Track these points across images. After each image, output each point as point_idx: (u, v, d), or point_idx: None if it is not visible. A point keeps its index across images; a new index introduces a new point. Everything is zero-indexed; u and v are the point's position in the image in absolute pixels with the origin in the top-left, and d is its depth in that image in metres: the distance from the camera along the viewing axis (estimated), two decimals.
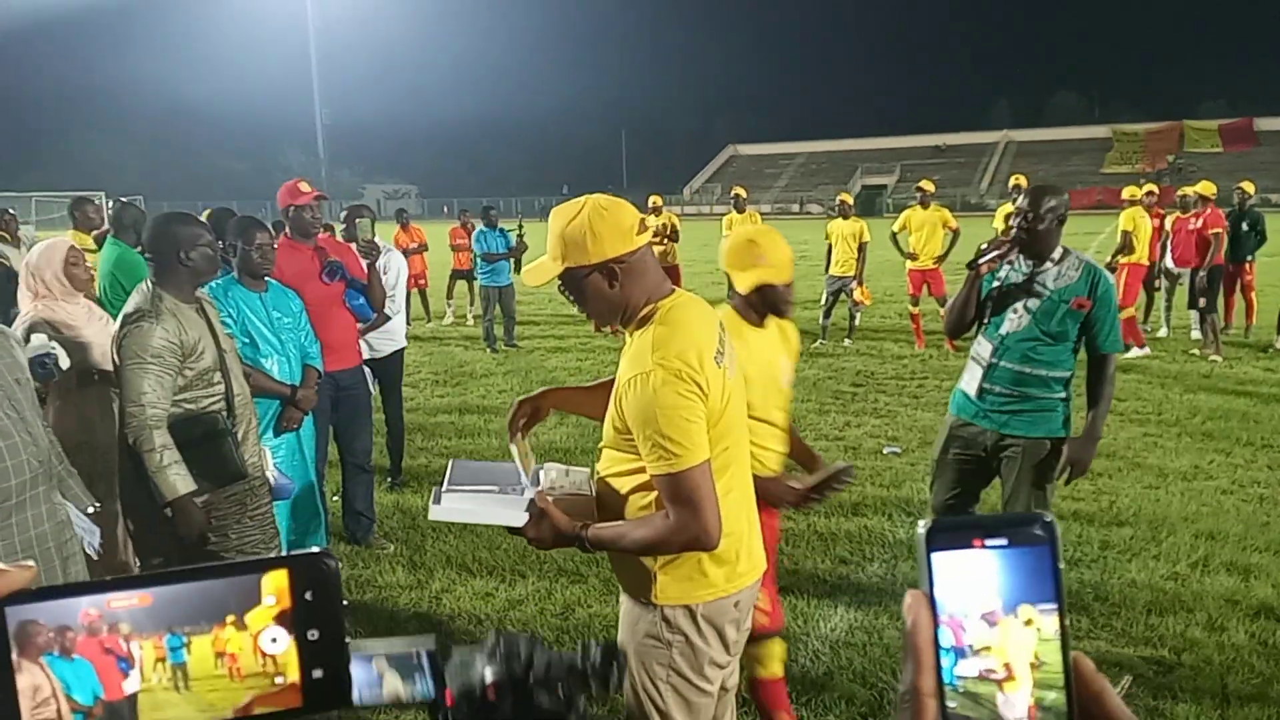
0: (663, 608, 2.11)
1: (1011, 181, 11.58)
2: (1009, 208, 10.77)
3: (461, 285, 13.72)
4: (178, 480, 3.00)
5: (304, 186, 4.70)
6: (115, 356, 3.11)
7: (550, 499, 2.11)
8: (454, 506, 2.16)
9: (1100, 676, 0.57)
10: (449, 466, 2.29)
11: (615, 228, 2.01)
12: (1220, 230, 9.98)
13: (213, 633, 0.51)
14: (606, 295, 2.04)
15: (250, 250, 3.96)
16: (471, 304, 13.67)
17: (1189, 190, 10.30)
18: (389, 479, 6.07)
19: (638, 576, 2.13)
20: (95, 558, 2.97)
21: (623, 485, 2.10)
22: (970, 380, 3.75)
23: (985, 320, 3.72)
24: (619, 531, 2.04)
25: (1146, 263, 10.32)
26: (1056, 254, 3.57)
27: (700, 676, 2.14)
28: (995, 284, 3.69)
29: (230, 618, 0.51)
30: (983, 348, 3.70)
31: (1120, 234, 10.24)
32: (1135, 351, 9.94)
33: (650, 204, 12.33)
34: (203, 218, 4.03)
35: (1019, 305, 3.59)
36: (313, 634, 0.52)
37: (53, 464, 2.76)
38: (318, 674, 0.52)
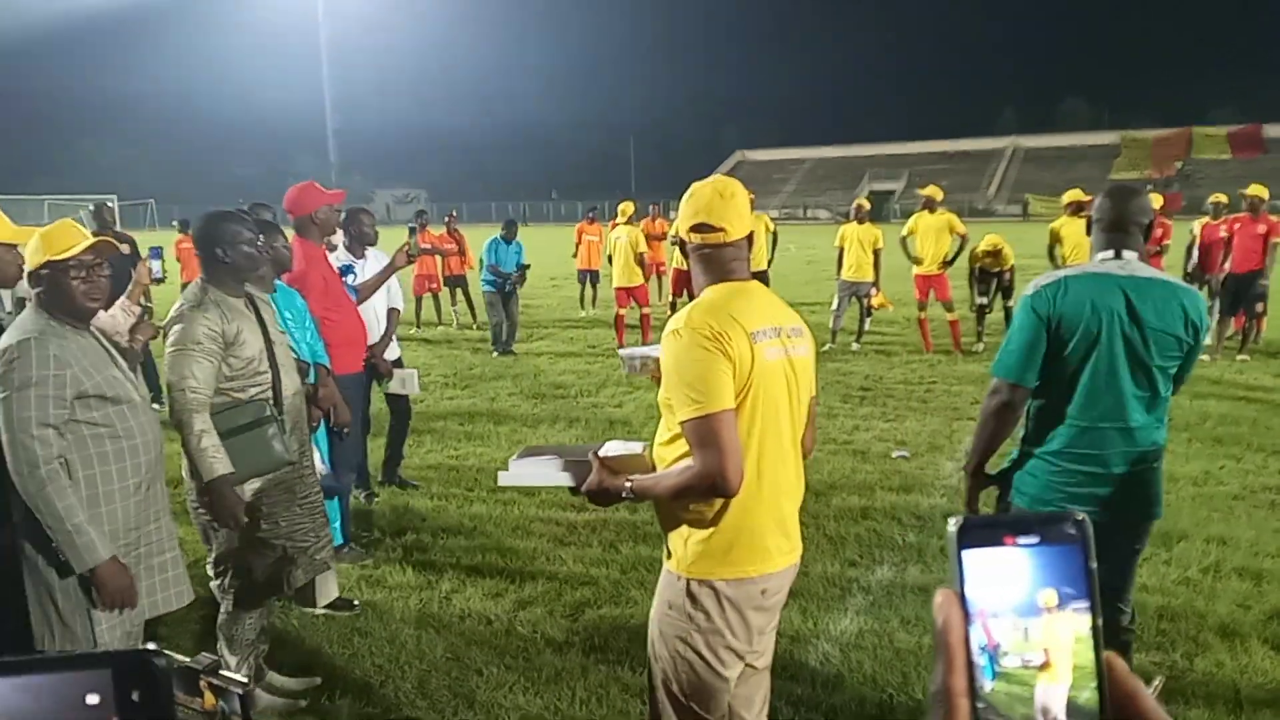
0: (689, 580, 2.22)
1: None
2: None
3: (461, 294, 13.77)
4: (215, 463, 3.09)
5: (320, 188, 4.78)
6: (165, 346, 3.23)
7: (604, 457, 2.33)
8: (520, 472, 2.49)
9: (1133, 677, 0.56)
10: (522, 449, 2.66)
11: (685, 212, 2.30)
12: (1277, 240, 9.91)
13: None
14: (686, 262, 2.38)
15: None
16: (473, 312, 13.70)
17: (1249, 193, 10.15)
18: (395, 478, 6.13)
19: (674, 544, 2.28)
20: None
21: (668, 451, 2.25)
22: None
23: None
24: (655, 479, 2.22)
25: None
26: None
27: (714, 657, 2.21)
28: None
29: None
30: None
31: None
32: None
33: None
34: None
35: None
36: None
37: None
38: None
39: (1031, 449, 2.96)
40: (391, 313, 5.70)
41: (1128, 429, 2.84)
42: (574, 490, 2.34)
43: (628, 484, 2.24)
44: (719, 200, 2.26)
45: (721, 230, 2.24)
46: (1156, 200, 11.23)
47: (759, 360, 2.15)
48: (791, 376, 2.27)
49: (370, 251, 5.63)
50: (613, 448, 2.45)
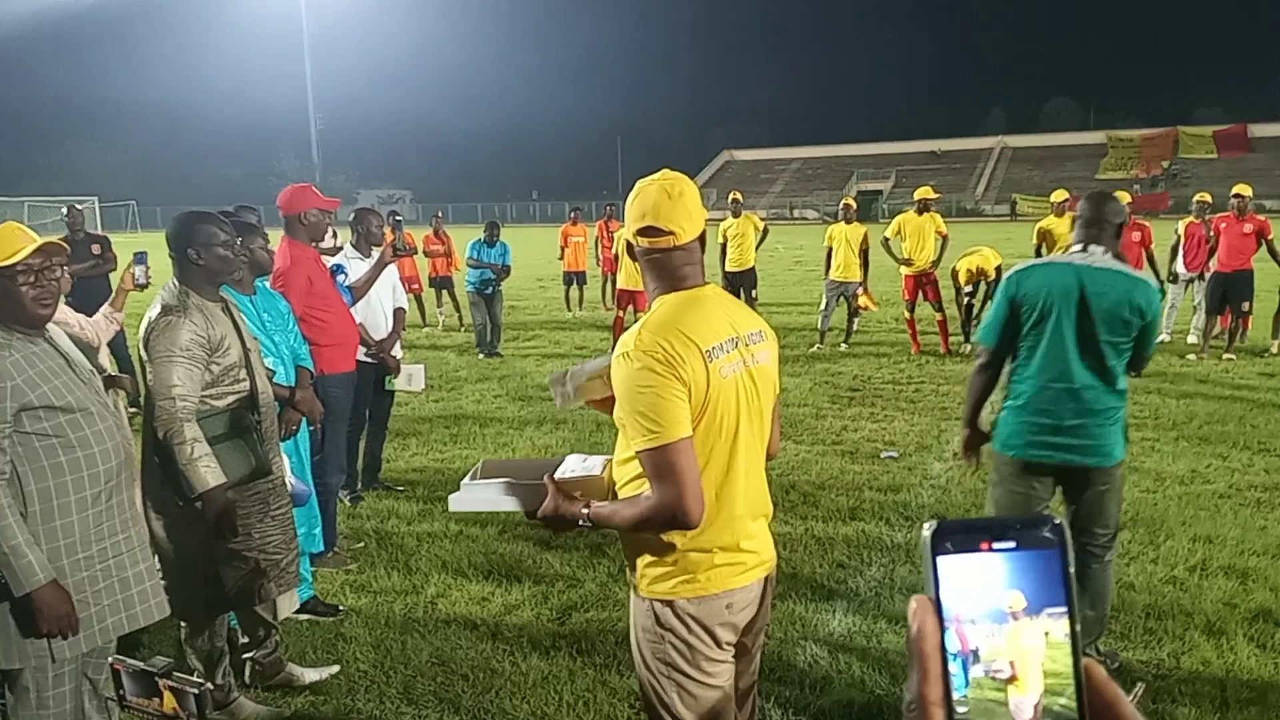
0: (652, 602, 2.15)
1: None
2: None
3: (447, 295, 13.73)
4: (208, 473, 3.01)
5: (316, 192, 4.80)
6: (144, 353, 3.14)
7: (559, 480, 2.20)
8: (470, 496, 2.36)
9: (1112, 684, 0.55)
10: (478, 465, 2.50)
11: (632, 214, 2.12)
12: (1271, 237, 9.95)
13: None
14: (637, 263, 2.17)
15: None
16: (459, 313, 13.64)
17: (1234, 192, 10.21)
18: (377, 483, 6.08)
19: (632, 567, 2.19)
20: None
21: (627, 469, 2.14)
22: None
23: None
24: (614, 509, 2.09)
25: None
26: None
27: (698, 670, 2.15)
28: None
29: None
30: None
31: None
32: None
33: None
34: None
35: None
36: None
37: None
38: None
39: (1007, 403, 3.57)
40: (397, 311, 5.73)
41: (1076, 390, 3.38)
42: (529, 515, 2.21)
43: (585, 511, 2.11)
44: (666, 200, 2.06)
45: (671, 234, 2.07)
46: (1124, 197, 11.23)
47: (715, 379, 2.02)
48: (751, 388, 2.13)
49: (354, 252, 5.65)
50: (572, 464, 2.33)
